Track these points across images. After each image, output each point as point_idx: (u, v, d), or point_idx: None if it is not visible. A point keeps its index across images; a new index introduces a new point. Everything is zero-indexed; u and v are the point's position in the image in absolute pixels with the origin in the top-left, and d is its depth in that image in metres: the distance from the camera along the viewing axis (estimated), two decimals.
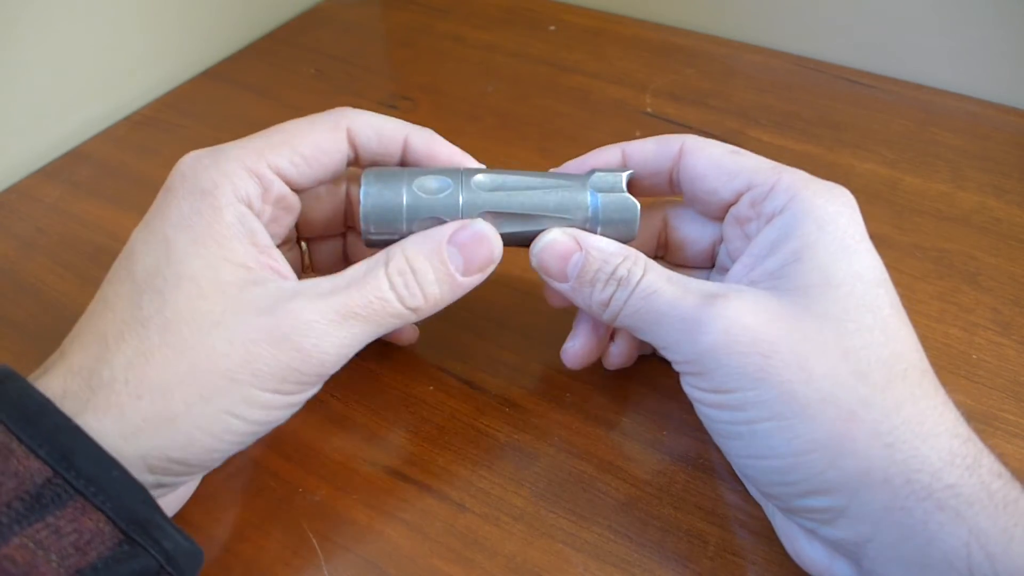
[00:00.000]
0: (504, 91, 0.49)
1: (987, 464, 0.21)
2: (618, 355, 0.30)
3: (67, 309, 0.36)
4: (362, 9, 0.59)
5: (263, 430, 0.25)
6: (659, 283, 0.25)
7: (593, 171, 0.28)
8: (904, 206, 0.39)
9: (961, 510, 0.20)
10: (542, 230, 0.27)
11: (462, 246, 0.26)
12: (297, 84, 0.51)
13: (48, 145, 0.46)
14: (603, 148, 0.29)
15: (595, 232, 0.27)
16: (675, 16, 0.54)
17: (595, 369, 0.32)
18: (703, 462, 0.29)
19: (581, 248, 0.26)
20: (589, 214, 0.27)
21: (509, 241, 0.27)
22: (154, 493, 0.23)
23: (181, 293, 0.23)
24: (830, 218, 0.24)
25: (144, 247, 0.25)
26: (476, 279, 0.26)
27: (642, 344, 0.31)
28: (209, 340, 0.23)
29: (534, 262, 0.27)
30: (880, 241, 0.38)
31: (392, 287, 0.25)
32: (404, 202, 0.26)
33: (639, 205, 0.27)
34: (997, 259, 0.36)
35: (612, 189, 0.27)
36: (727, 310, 0.23)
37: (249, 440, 0.25)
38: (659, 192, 0.30)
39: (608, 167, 0.28)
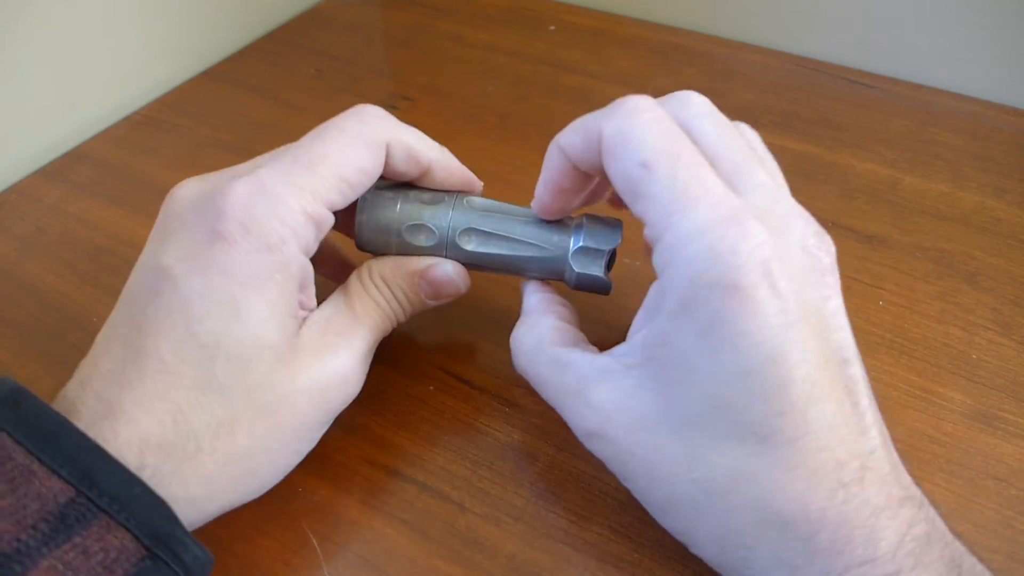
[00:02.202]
0: (504, 91, 0.49)
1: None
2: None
3: (67, 309, 0.36)
4: (362, 9, 0.59)
5: (301, 459, 0.27)
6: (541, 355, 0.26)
7: (579, 229, 0.28)
8: (904, 206, 0.39)
9: None
10: (526, 275, 0.30)
11: (432, 283, 0.29)
12: (297, 84, 0.51)
13: (48, 145, 0.46)
14: (547, 156, 0.27)
15: (568, 284, 0.29)
16: (675, 16, 0.54)
17: None
18: None
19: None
20: (564, 278, 0.29)
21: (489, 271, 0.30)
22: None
23: (262, 362, 0.24)
24: (700, 299, 0.21)
25: (206, 305, 0.23)
26: (444, 301, 0.30)
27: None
28: (291, 399, 0.25)
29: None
30: (880, 241, 0.38)
31: (386, 315, 0.28)
32: (393, 249, 0.29)
33: (611, 283, 0.28)
34: (997, 259, 0.36)
35: (591, 268, 0.28)
36: (591, 413, 0.24)
37: (290, 471, 0.27)
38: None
39: (600, 223, 0.28)
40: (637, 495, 0.24)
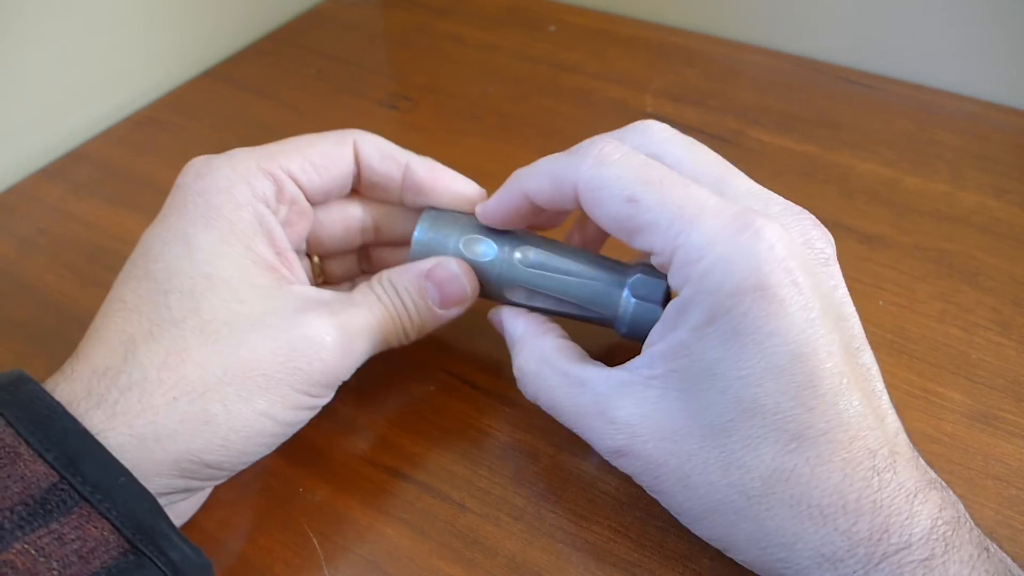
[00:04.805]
0: (504, 91, 0.49)
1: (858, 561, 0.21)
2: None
3: (67, 309, 0.36)
4: (362, 9, 0.59)
5: (290, 432, 0.26)
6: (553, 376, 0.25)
7: (639, 268, 0.27)
8: (904, 206, 0.39)
9: None
10: (573, 312, 0.28)
11: (438, 283, 0.27)
12: (297, 84, 0.51)
13: (48, 145, 0.46)
14: (506, 191, 0.27)
15: (619, 329, 0.28)
16: (675, 16, 0.54)
17: None
18: None
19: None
20: (619, 313, 0.27)
21: (539, 311, 0.29)
22: (177, 497, 0.24)
23: (216, 295, 0.24)
24: (723, 308, 0.21)
25: (162, 246, 0.24)
26: (453, 312, 0.28)
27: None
28: (250, 341, 0.23)
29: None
30: (880, 241, 0.38)
31: (387, 311, 0.27)
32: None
33: None
34: (997, 259, 0.36)
35: (648, 298, 0.27)
36: (615, 431, 0.23)
37: (276, 443, 0.25)
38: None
39: (650, 266, 0.27)
40: (670, 506, 0.24)
